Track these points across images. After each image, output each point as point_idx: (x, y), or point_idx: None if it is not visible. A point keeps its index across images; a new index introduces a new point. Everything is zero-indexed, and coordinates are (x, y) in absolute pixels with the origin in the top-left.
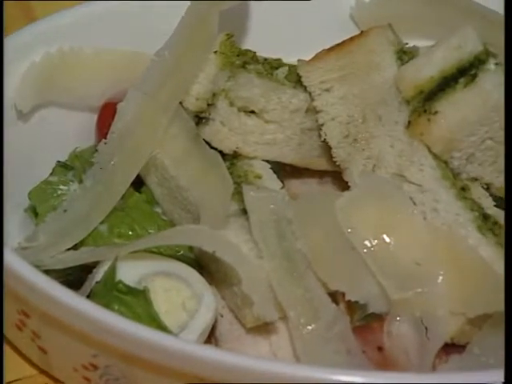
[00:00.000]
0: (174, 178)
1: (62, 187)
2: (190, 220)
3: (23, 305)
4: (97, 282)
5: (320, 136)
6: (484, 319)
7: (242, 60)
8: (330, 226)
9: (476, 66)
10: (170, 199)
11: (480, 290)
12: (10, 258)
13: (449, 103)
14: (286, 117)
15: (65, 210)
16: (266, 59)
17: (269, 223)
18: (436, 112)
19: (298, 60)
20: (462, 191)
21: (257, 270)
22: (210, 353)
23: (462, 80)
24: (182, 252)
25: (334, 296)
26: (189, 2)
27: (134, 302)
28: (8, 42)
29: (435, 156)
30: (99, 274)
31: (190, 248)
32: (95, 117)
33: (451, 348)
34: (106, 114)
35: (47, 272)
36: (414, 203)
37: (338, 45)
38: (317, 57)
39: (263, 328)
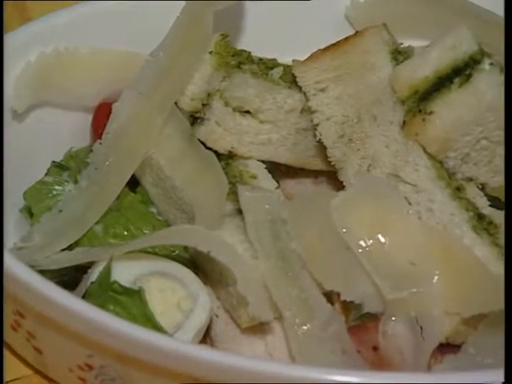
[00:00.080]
0: (169, 178)
1: (57, 187)
2: (185, 220)
3: (18, 305)
4: (92, 283)
5: (315, 136)
6: (479, 319)
7: (236, 60)
8: (324, 225)
9: (471, 66)
10: (165, 199)
11: (475, 290)
12: (5, 258)
13: (444, 103)
14: (280, 117)
15: (60, 211)
16: (260, 59)
17: (264, 223)
18: (431, 112)
19: (293, 60)
20: (457, 191)
21: (252, 270)
22: (205, 353)
23: (456, 80)
24: (177, 252)
25: (329, 296)
26: (184, 2)
27: (129, 302)
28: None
29: (430, 156)
30: (94, 275)
31: (185, 248)
32: (90, 117)
33: (446, 348)
34: (101, 115)
35: (42, 272)
36: (409, 203)
37: (333, 45)
38: (312, 57)
39: (258, 328)
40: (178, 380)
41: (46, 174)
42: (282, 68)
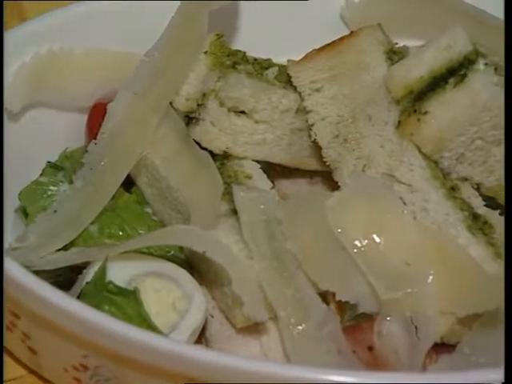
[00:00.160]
0: (164, 178)
1: (52, 188)
2: (181, 220)
3: (13, 306)
4: (87, 283)
5: (310, 136)
6: (474, 319)
7: (231, 60)
8: (320, 226)
9: (465, 66)
10: (160, 199)
11: (470, 290)
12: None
13: (438, 103)
14: (275, 117)
15: (55, 211)
16: (256, 59)
17: (259, 223)
18: (426, 112)
19: (288, 60)
20: (452, 191)
21: (247, 271)
22: (200, 353)
23: (451, 80)
24: (172, 252)
25: (325, 296)
26: (179, 2)
27: (125, 302)
28: None
29: (425, 156)
30: (89, 275)
31: (181, 248)
32: (85, 117)
33: (441, 348)
34: (96, 115)
35: (37, 273)
36: (404, 203)
37: (328, 45)
38: (307, 57)
39: (253, 328)
40: (173, 380)
41: (41, 175)
42: (276, 68)
